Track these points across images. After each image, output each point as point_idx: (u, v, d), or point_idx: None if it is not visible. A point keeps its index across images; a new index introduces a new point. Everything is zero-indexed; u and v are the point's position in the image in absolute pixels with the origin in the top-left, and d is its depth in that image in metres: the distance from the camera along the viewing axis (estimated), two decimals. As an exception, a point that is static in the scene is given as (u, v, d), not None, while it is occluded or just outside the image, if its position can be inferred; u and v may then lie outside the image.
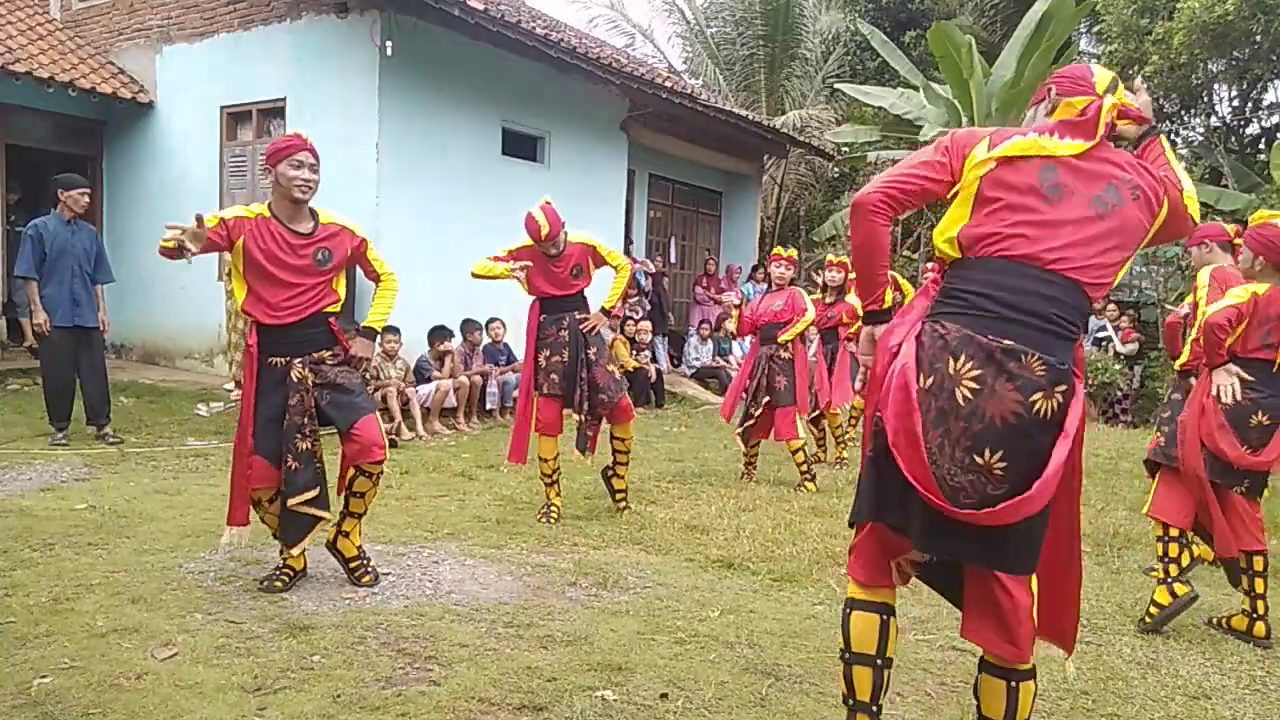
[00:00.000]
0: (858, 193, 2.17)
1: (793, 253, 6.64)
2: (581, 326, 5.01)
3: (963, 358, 1.98)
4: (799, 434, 6.28)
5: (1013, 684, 2.12)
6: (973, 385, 1.96)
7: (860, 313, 2.41)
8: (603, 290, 5.12)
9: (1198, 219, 2.21)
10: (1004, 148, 2.06)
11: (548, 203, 4.90)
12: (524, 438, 5.10)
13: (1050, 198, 2.03)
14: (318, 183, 3.56)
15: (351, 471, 3.65)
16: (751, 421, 6.40)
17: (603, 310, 5.12)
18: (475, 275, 4.98)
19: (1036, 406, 1.95)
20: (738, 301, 6.58)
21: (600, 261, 5.12)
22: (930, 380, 2.00)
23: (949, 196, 2.14)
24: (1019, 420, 1.95)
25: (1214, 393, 3.58)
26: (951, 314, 2.04)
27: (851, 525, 2.29)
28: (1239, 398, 3.55)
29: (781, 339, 6.31)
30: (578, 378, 4.97)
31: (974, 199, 2.07)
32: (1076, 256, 2.01)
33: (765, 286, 6.66)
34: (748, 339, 7.15)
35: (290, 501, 3.52)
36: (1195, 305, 4.44)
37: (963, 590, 2.19)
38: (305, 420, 3.53)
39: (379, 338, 3.78)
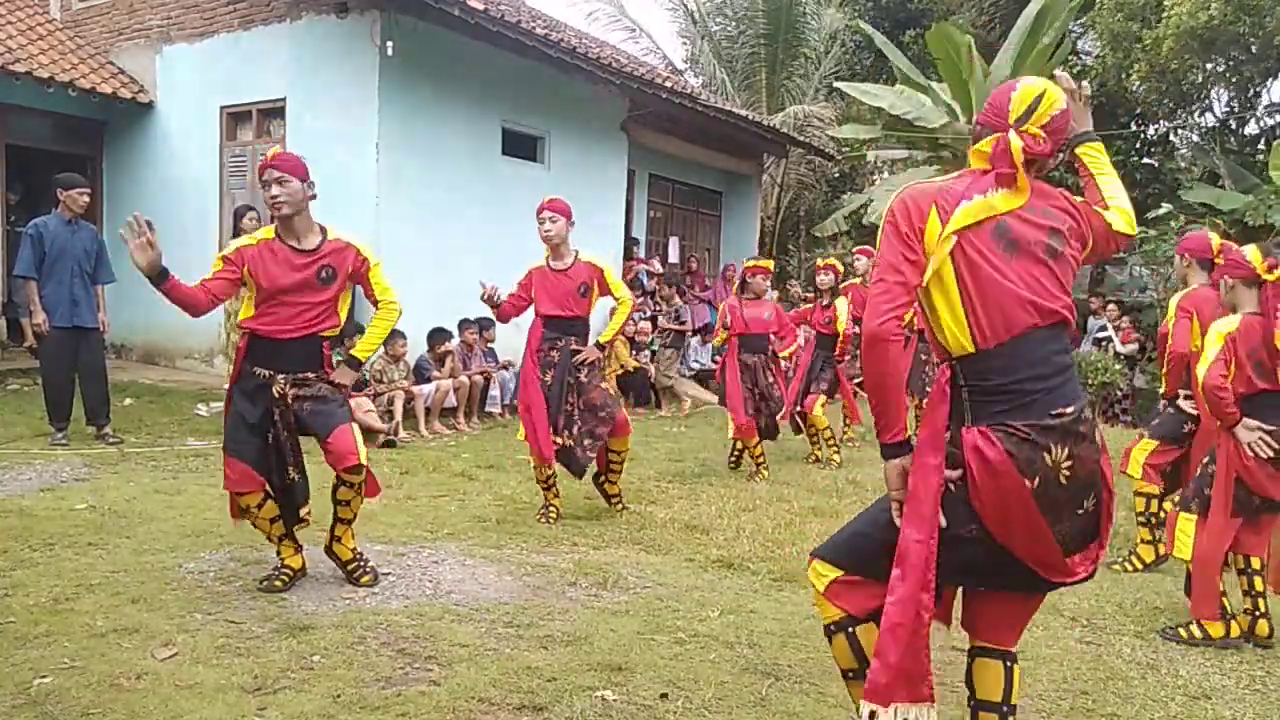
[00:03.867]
0: (865, 327, 2.03)
1: (769, 263, 6.96)
2: (574, 359, 4.97)
3: (1055, 446, 2.00)
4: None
5: (1008, 664, 2.24)
6: (1068, 465, 2.01)
7: (873, 425, 2.16)
8: (603, 316, 5.12)
9: (1132, 229, 2.20)
10: (957, 218, 2.01)
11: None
12: (541, 438, 4.99)
13: (1008, 255, 2.04)
14: (292, 193, 3.49)
15: (335, 480, 3.68)
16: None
17: (598, 345, 5.11)
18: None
19: (1099, 443, 2.08)
20: (728, 321, 6.74)
21: (605, 290, 5.09)
22: (1037, 480, 1.99)
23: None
24: (1098, 463, 2.07)
25: (1250, 454, 3.51)
26: (1010, 410, 2.01)
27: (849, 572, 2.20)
28: (1275, 443, 3.51)
29: (783, 354, 6.89)
30: (563, 401, 4.92)
31: (955, 281, 2.03)
32: (1058, 298, 2.06)
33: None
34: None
35: (302, 512, 3.64)
36: (1164, 335, 4.43)
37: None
38: (288, 435, 3.59)
39: (363, 366, 3.79)
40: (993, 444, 1.99)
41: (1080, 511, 2.06)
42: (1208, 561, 3.61)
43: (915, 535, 2.02)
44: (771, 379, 6.65)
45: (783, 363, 6.92)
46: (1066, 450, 2.00)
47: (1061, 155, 2.23)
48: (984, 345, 2.02)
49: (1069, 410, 2.01)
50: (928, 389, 7.33)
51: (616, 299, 5.17)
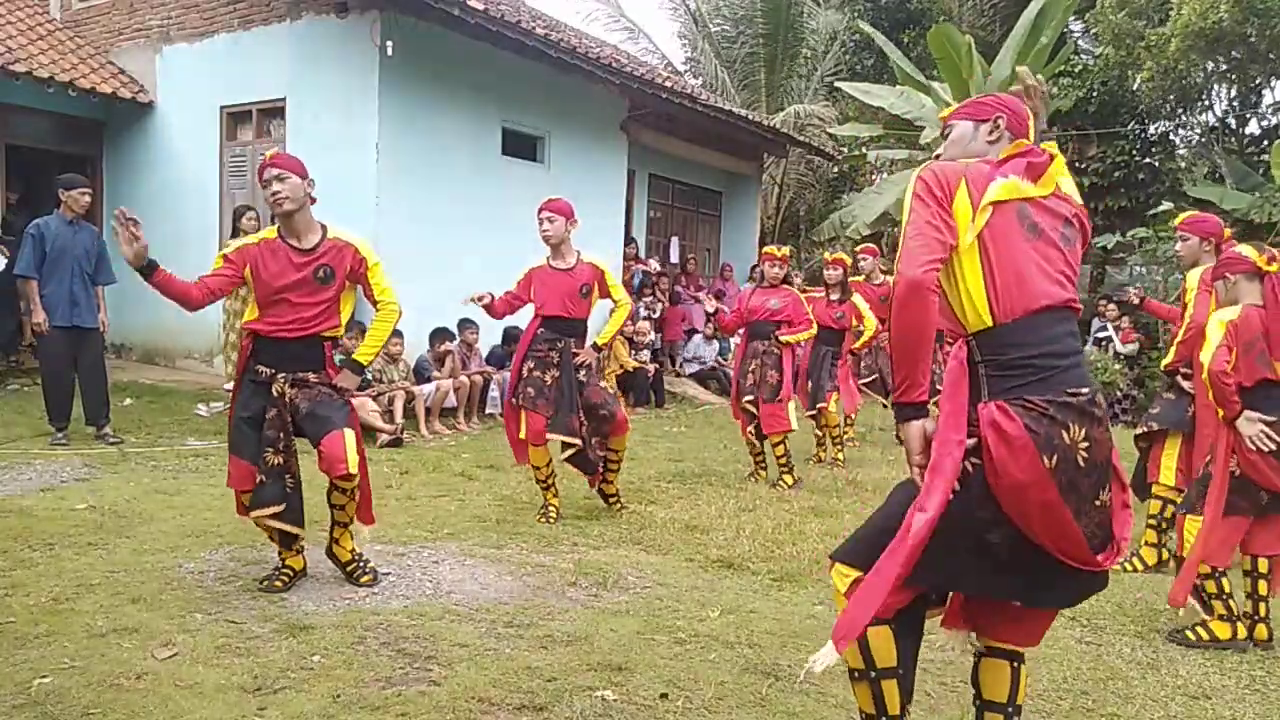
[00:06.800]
0: (903, 276, 1.99)
1: (785, 251, 6.61)
2: (574, 360, 4.98)
3: (1073, 425, 1.99)
4: (791, 425, 6.27)
5: (1015, 665, 2.25)
6: (1085, 445, 2.00)
7: (895, 398, 2.11)
8: (600, 320, 5.13)
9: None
10: (994, 193, 2.05)
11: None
12: (517, 440, 5.10)
13: (1031, 237, 2.08)
14: (294, 189, 3.49)
15: (329, 484, 3.67)
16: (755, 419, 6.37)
17: (594, 346, 5.12)
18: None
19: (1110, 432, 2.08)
20: (718, 307, 6.59)
21: (605, 292, 5.12)
22: (1055, 458, 1.97)
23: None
24: (1110, 451, 2.07)
25: (1253, 446, 3.51)
26: (1027, 385, 2.00)
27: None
28: (1277, 435, 3.50)
29: (784, 339, 6.29)
30: (574, 403, 4.94)
31: (980, 253, 2.04)
32: (1070, 286, 2.10)
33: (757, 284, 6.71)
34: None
35: (252, 513, 3.55)
36: (1184, 307, 4.43)
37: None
38: (279, 435, 3.55)
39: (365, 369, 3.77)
40: (1011, 419, 1.97)
41: (1097, 503, 2.04)
42: (1205, 560, 3.60)
43: (928, 510, 1.99)
44: (770, 365, 6.27)
45: (775, 347, 6.32)
46: (1084, 431, 2.00)
47: None
48: (1002, 319, 2.03)
49: (1084, 391, 2.02)
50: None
51: (615, 302, 5.17)
